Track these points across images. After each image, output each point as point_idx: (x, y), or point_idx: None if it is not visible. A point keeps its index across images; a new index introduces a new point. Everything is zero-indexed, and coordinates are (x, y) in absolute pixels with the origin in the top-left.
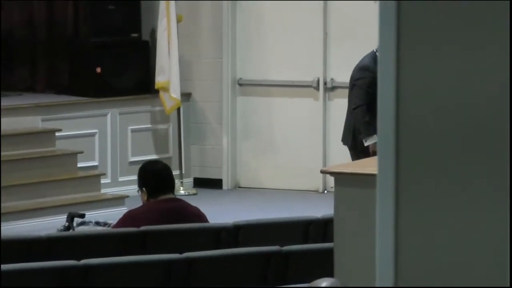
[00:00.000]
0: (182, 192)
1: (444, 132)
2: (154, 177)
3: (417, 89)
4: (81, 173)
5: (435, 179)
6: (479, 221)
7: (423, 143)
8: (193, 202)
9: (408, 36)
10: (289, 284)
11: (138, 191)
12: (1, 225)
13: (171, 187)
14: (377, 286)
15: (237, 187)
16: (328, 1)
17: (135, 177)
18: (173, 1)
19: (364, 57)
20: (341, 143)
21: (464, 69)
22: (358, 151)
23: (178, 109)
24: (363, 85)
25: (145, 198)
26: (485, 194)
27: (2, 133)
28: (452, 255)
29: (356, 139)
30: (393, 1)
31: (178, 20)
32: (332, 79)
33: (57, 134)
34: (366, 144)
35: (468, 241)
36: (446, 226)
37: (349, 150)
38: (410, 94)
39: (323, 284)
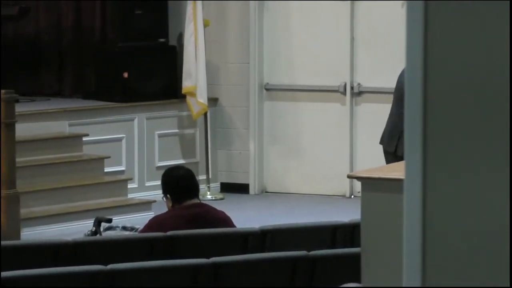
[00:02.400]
0: (209, 196)
1: (473, 135)
2: (178, 183)
3: (445, 91)
4: (108, 178)
5: (463, 182)
6: (507, 222)
7: (451, 147)
8: (220, 206)
9: (435, 36)
10: None
11: (163, 197)
12: (29, 230)
13: (195, 192)
14: (404, 286)
15: (264, 192)
16: (355, 5)
17: None
18: (200, 2)
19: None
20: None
21: (493, 70)
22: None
23: (205, 114)
24: None
25: (170, 204)
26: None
27: (30, 138)
28: (480, 256)
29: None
30: (421, 1)
31: (205, 25)
32: (359, 84)
33: (84, 139)
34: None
35: (496, 243)
36: (473, 228)
37: (389, 155)
38: (438, 97)
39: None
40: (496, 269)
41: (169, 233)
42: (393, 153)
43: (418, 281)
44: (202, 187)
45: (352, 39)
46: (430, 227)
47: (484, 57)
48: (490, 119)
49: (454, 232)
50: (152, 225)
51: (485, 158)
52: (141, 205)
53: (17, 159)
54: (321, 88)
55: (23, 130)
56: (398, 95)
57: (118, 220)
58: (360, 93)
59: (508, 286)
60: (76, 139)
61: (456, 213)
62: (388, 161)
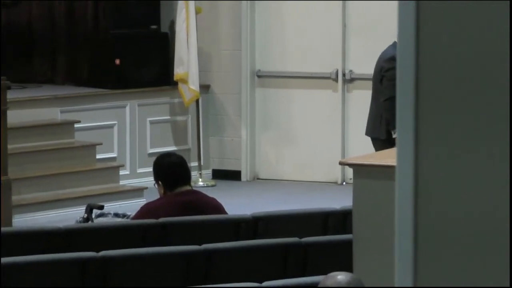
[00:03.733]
0: (201, 183)
1: (465, 124)
2: (169, 170)
3: (436, 79)
4: (100, 165)
5: (456, 169)
6: (501, 218)
7: (443, 134)
8: (211, 193)
9: (427, 21)
10: (308, 276)
11: (154, 184)
12: (20, 217)
13: (187, 179)
14: (396, 286)
15: (256, 178)
16: None
17: None
18: None
19: (387, 48)
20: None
21: (487, 60)
22: (390, 143)
23: (197, 101)
24: (393, 76)
25: (162, 191)
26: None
27: (21, 124)
28: (474, 243)
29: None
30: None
31: (197, 12)
32: (350, 70)
33: (76, 125)
34: (394, 136)
35: (490, 239)
36: (467, 214)
37: (377, 141)
38: (430, 85)
39: (338, 277)
40: (492, 257)
41: (161, 220)
42: (377, 138)
43: (410, 268)
44: (194, 174)
45: (344, 26)
46: (422, 214)
47: (478, 46)
48: (483, 108)
49: (446, 218)
50: (144, 212)
51: (478, 148)
52: (133, 192)
53: (9, 146)
54: (313, 75)
55: (14, 117)
56: (373, 79)
57: (110, 207)
58: (352, 80)
59: (501, 285)
60: (67, 126)
61: (449, 199)
62: (376, 147)
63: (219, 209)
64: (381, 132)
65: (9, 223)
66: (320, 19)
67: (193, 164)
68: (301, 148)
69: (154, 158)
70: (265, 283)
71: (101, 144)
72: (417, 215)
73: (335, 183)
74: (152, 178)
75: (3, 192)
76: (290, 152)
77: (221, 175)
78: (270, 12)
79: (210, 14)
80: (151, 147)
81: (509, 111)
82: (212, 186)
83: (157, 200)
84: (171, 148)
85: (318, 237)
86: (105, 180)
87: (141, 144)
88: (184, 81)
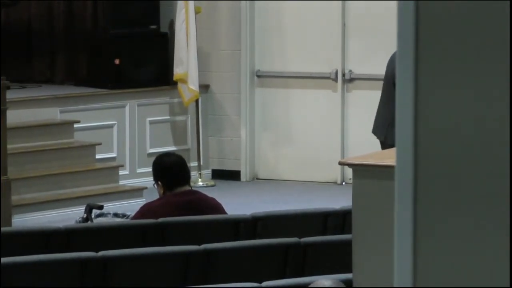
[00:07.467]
0: (200, 183)
1: (465, 125)
2: (169, 170)
3: (436, 80)
4: (99, 165)
5: (455, 174)
6: (502, 217)
7: (443, 134)
8: (211, 193)
9: (427, 33)
10: (307, 276)
11: (154, 184)
12: (20, 217)
13: (187, 179)
14: (395, 286)
15: (255, 178)
16: None
17: None
18: None
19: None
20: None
21: (487, 60)
22: None
23: (197, 101)
24: None
25: (162, 191)
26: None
27: (21, 124)
28: (474, 253)
29: None
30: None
31: (197, 12)
32: (350, 70)
33: (75, 125)
34: None
35: (490, 239)
36: (467, 223)
37: (382, 144)
38: (429, 87)
39: (325, 283)
40: (492, 256)
41: (161, 220)
42: (383, 142)
43: (409, 268)
44: (194, 174)
45: (344, 26)
46: (422, 213)
47: (479, 38)
48: (484, 108)
49: (447, 218)
50: (143, 212)
51: (479, 151)
52: (133, 192)
53: (8, 146)
54: (312, 75)
55: (14, 117)
56: (386, 81)
57: (110, 207)
58: (351, 79)
59: (500, 285)
60: (67, 126)
61: (449, 199)
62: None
63: (218, 209)
64: (391, 135)
65: (9, 223)
66: (319, 19)
67: (192, 164)
68: (300, 148)
69: (153, 158)
70: (265, 283)
71: (100, 144)
72: (416, 214)
73: (335, 183)
74: (151, 178)
75: (3, 192)
76: (290, 152)
77: (220, 175)
78: (269, 12)
79: (209, 14)
80: (151, 147)
81: (508, 116)
82: (212, 186)
83: (157, 200)
84: (171, 148)
85: (317, 237)
86: (104, 180)
87: (141, 144)
88: (184, 81)
